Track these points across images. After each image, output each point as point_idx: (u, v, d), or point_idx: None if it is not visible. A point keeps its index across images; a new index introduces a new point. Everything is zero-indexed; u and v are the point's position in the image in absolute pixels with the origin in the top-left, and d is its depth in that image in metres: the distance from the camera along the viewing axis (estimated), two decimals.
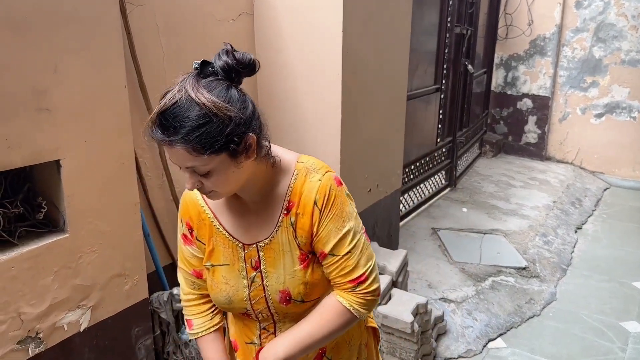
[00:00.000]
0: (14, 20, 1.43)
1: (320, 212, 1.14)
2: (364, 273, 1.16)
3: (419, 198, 4.54)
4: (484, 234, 4.17)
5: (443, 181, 5.03)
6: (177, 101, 0.98)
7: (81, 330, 1.76)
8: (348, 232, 1.16)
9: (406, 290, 3.05)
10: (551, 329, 3.16)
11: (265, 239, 1.19)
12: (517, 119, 6.28)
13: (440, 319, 2.94)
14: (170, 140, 0.99)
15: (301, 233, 1.17)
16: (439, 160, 4.84)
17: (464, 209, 4.64)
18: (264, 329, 1.27)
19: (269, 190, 1.17)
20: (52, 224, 1.68)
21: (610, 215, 5.01)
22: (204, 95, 0.99)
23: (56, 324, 1.67)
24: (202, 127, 0.99)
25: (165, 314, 2.11)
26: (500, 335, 3.07)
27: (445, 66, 4.56)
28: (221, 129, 1.00)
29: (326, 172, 1.17)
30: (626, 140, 5.75)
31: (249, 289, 1.21)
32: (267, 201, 1.18)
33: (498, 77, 6.31)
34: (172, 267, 2.25)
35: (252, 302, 1.21)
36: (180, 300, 1.36)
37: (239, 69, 1.05)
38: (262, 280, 1.20)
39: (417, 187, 4.47)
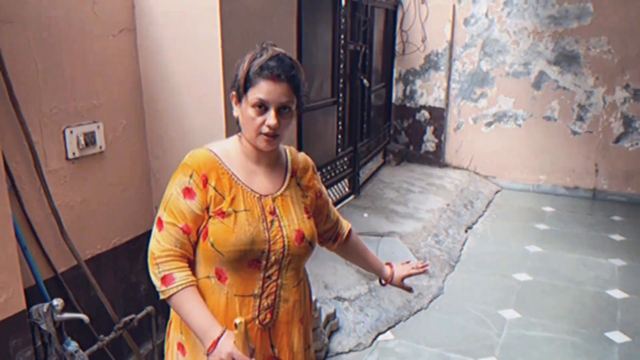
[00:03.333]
0: None
1: (317, 175, 1.63)
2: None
3: None
4: (382, 236, 4.41)
5: (347, 189, 5.26)
6: (279, 53, 1.38)
7: None
8: None
9: None
10: (436, 321, 3.41)
11: (278, 191, 1.50)
12: (417, 129, 6.67)
13: (333, 316, 3.11)
14: (285, 74, 1.35)
15: (307, 189, 1.57)
16: (341, 169, 5.07)
17: (365, 215, 4.88)
18: (268, 277, 1.46)
19: (274, 157, 1.52)
20: None
21: (499, 215, 5.44)
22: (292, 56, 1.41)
23: None
24: (299, 75, 1.40)
25: (46, 325, 2.12)
26: (390, 328, 3.29)
27: (341, 80, 4.81)
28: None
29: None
30: (514, 146, 6.26)
31: (268, 230, 1.43)
32: (272, 164, 1.52)
33: (398, 91, 6.68)
34: (54, 280, 2.27)
35: (271, 242, 1.44)
36: (156, 257, 1.40)
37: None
38: (280, 222, 1.46)
39: None
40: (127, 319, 2.49)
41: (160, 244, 1.40)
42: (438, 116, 6.50)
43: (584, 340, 3.20)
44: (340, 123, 4.96)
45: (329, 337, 3.07)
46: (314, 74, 4.27)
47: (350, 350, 3.05)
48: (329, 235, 1.74)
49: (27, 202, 2.13)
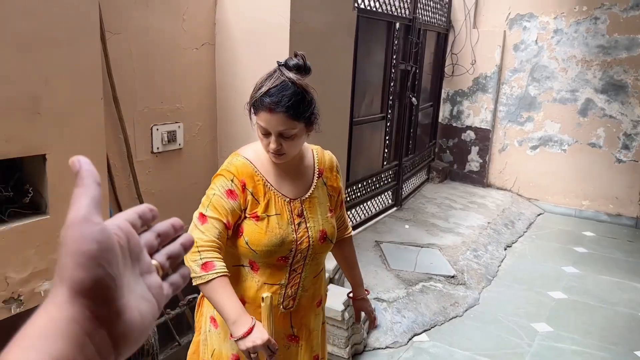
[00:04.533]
0: (19, 40, 1.83)
1: (339, 174, 1.78)
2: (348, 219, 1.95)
3: (366, 214, 4.98)
4: (421, 247, 4.63)
5: (390, 201, 5.50)
6: (282, 81, 1.47)
7: None
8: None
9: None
10: (470, 328, 3.60)
11: (306, 194, 1.66)
12: (462, 148, 6.85)
13: None
14: (278, 107, 1.45)
15: (331, 189, 1.73)
16: (386, 181, 5.32)
17: (407, 226, 5.11)
18: (293, 270, 1.65)
19: (302, 160, 1.68)
20: (35, 207, 2.05)
21: (539, 236, 5.56)
22: (300, 79, 1.49)
23: (35, 290, 2.02)
24: (299, 101, 1.48)
25: None
26: (425, 331, 3.50)
27: (390, 98, 5.09)
28: (308, 104, 1.51)
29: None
30: (558, 171, 6.36)
31: (296, 232, 1.61)
32: (300, 168, 1.68)
33: (445, 110, 6.90)
34: None
35: (298, 242, 1.61)
36: (199, 246, 1.52)
37: (306, 68, 1.54)
38: (306, 224, 1.63)
39: (364, 204, 4.92)
40: (190, 297, 2.81)
41: (205, 234, 1.54)
42: (484, 137, 6.67)
43: (612, 356, 3.32)
44: (387, 138, 5.23)
45: (368, 332, 3.31)
46: (366, 90, 4.56)
47: (387, 347, 3.28)
48: None
49: (119, 188, 2.49)
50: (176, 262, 0.56)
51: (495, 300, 4.02)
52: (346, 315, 2.96)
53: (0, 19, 1.76)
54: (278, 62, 1.53)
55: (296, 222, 1.62)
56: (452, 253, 4.57)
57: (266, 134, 1.53)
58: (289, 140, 1.52)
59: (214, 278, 1.49)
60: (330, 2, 3.21)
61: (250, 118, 1.57)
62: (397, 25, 4.92)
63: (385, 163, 5.25)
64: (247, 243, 1.59)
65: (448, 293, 3.93)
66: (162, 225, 0.55)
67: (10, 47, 1.81)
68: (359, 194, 4.76)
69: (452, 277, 4.15)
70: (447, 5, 6.41)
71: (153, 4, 2.54)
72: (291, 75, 1.49)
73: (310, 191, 1.67)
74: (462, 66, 6.64)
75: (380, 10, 4.47)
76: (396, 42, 4.93)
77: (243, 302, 1.61)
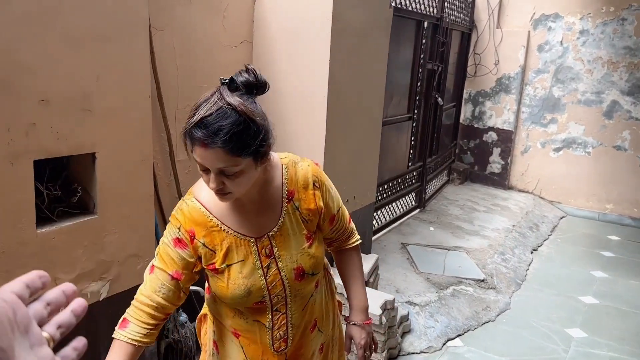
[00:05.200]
0: (71, 36, 1.79)
1: (320, 189, 1.41)
2: (353, 228, 1.61)
3: (391, 216, 4.93)
4: (448, 250, 4.56)
5: (413, 202, 5.44)
6: (220, 108, 1.15)
7: (100, 299, 2.07)
8: (340, 201, 1.53)
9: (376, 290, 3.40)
10: (503, 332, 3.54)
11: (274, 227, 1.36)
12: (483, 150, 6.78)
13: (406, 318, 3.29)
14: (213, 141, 1.13)
15: (307, 213, 1.39)
16: (410, 183, 5.26)
17: (431, 228, 5.05)
18: (276, 310, 1.41)
19: (266, 187, 1.35)
20: (83, 207, 2.00)
21: (564, 240, 5.48)
22: (243, 105, 1.16)
23: (82, 291, 1.98)
24: (241, 132, 1.15)
25: None
26: (459, 335, 3.44)
27: (417, 98, 5.03)
28: (254, 135, 1.17)
29: (305, 160, 1.44)
30: (581, 174, 6.28)
31: (266, 277, 1.35)
32: (265, 197, 1.36)
33: (466, 111, 6.83)
34: None
35: (270, 287, 1.36)
36: (135, 299, 1.35)
37: (259, 85, 1.22)
38: (277, 264, 1.36)
39: (389, 206, 4.87)
40: None
41: (145, 286, 1.34)
42: (506, 138, 6.60)
43: None
44: (412, 139, 5.17)
45: (402, 336, 3.26)
46: (394, 89, 4.51)
47: (421, 352, 3.22)
48: (331, 242, 1.60)
49: (160, 188, 2.45)
50: (67, 331, 0.54)
51: (527, 305, 3.95)
52: (383, 319, 2.90)
53: (51, 16, 1.72)
54: (221, 79, 1.21)
55: (264, 264, 1.36)
56: (479, 256, 4.51)
57: (205, 170, 1.22)
58: (233, 178, 1.21)
59: (117, 339, 1.30)
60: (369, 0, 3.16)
61: (187, 150, 1.24)
62: (426, 24, 4.86)
63: (410, 164, 5.19)
64: (215, 294, 1.43)
65: (479, 297, 3.86)
66: (53, 293, 0.54)
67: (63, 43, 1.77)
68: (384, 195, 4.70)
69: (482, 280, 4.09)
70: (471, 5, 6.34)
71: (196, 0, 2.50)
72: (232, 100, 1.16)
73: (280, 222, 1.37)
74: (485, 66, 6.56)
75: (410, 8, 4.41)
76: (424, 41, 4.87)
77: (236, 334, 1.47)
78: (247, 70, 1.22)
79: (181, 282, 1.33)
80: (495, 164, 6.73)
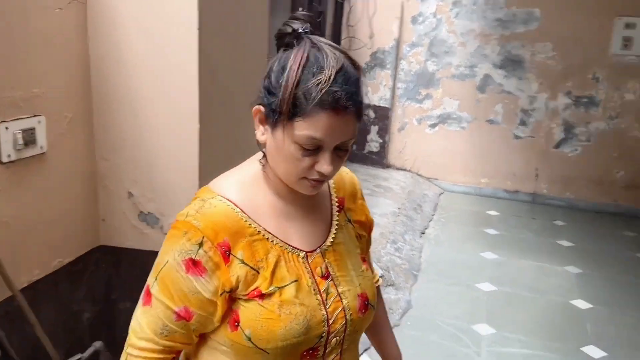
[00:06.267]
0: None
1: (364, 200, 1.19)
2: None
3: None
4: None
5: None
6: (343, 64, 0.91)
7: None
8: None
9: None
10: (411, 339, 3.17)
11: (327, 240, 1.05)
12: (361, 128, 6.40)
13: None
14: (354, 103, 0.91)
15: (359, 227, 1.14)
16: None
17: None
18: None
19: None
20: None
21: (447, 218, 5.34)
22: (347, 53, 0.94)
23: None
24: (362, 89, 0.95)
25: None
26: (365, 350, 2.99)
27: None
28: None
29: None
30: (457, 149, 6.21)
31: (325, 306, 0.99)
32: (311, 200, 1.06)
33: None
34: None
35: (331, 321, 0.99)
36: (128, 346, 0.97)
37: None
38: (337, 288, 1.01)
39: None
40: (73, 359, 2.00)
41: (141, 327, 0.97)
42: (383, 116, 6.30)
43: (562, 357, 3.09)
44: None
45: None
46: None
47: None
48: None
49: None
50: None
51: (428, 302, 3.64)
52: None
53: None
54: (297, 30, 0.96)
55: (322, 287, 1.00)
56: (372, 248, 4.11)
57: (315, 149, 0.92)
58: (342, 157, 0.97)
59: None
60: None
61: (276, 129, 0.94)
62: None
63: None
64: (249, 339, 0.94)
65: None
66: None
67: None
68: None
69: (380, 277, 3.68)
70: None
71: None
72: (348, 54, 0.95)
73: (333, 235, 1.06)
74: (360, 40, 6.16)
75: None
76: (300, 9, 4.28)
77: None
78: (295, 18, 1.00)
79: (192, 324, 0.95)
80: (373, 143, 6.43)
